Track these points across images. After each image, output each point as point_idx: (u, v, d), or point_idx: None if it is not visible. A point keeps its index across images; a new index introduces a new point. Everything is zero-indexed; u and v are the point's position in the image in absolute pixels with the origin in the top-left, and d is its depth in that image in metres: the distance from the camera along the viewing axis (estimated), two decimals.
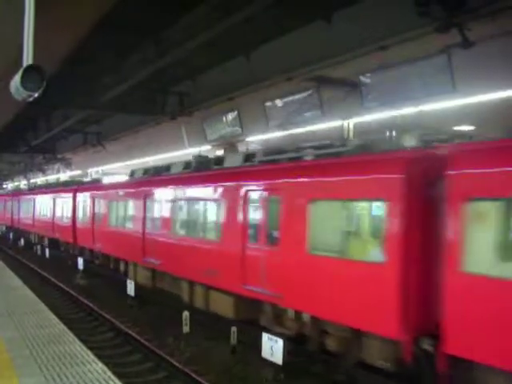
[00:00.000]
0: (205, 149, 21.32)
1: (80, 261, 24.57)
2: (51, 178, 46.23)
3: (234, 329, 12.35)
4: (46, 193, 33.69)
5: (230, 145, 20.94)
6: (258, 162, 13.13)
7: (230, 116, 19.16)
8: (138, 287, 18.10)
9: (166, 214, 16.19)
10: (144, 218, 17.67)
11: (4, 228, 48.43)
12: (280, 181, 11.40)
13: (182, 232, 15.52)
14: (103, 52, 15.96)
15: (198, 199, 14.80)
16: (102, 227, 22.17)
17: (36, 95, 7.60)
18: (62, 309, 17.75)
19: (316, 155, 11.31)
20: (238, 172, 13.48)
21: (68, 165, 40.10)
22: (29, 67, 7.42)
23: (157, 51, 15.03)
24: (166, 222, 16.13)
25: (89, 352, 8.84)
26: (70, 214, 27.14)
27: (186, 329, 13.62)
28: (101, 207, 22.53)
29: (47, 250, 31.02)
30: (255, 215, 12.07)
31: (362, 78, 13.15)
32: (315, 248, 10.11)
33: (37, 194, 36.10)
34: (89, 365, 8.03)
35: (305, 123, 15.76)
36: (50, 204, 31.44)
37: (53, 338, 9.62)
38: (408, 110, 12.74)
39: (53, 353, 8.64)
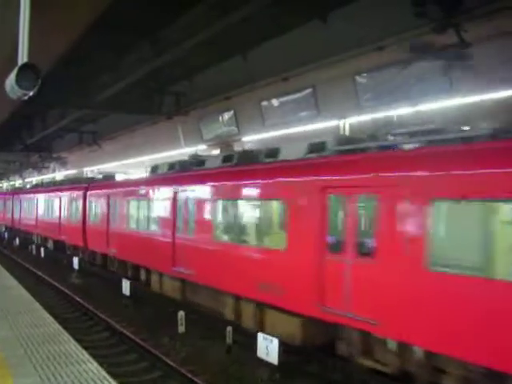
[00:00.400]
0: (201, 148, 21.31)
1: (75, 260, 24.49)
2: (51, 176, 44.75)
3: (229, 328, 12.33)
4: (50, 191, 31.14)
5: (226, 144, 20.94)
6: (334, 153, 10.53)
7: (227, 115, 19.20)
8: (166, 299, 16.32)
9: (205, 215, 13.87)
10: (174, 221, 15.32)
11: (3, 228, 45.57)
12: (377, 174, 8.89)
13: (226, 238, 13.19)
14: (100, 51, 15.94)
15: (250, 198, 12.37)
16: (118, 230, 19.78)
17: (31, 94, 7.57)
18: (57, 308, 17.67)
19: (429, 141, 8.72)
20: (308, 165, 10.82)
21: (64, 164, 40.01)
22: (24, 65, 7.39)
23: (153, 51, 15.02)
24: (205, 226, 13.79)
25: (84, 351, 8.80)
26: (79, 215, 24.76)
27: (181, 328, 13.59)
28: (118, 207, 20.07)
29: (42, 250, 30.83)
30: (338, 218, 9.73)
31: (358, 78, 13.17)
32: (439, 263, 7.78)
33: (40, 192, 33.58)
34: (84, 364, 8.00)
35: (300, 123, 15.77)
36: (55, 203, 29.08)
37: (47, 337, 9.58)
38: (404, 110, 12.76)
39: (47, 352, 8.60)
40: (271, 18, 12.70)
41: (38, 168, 45.63)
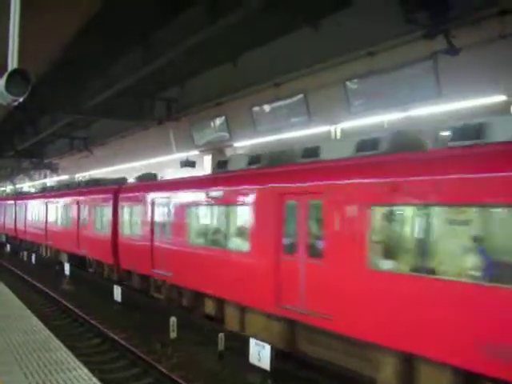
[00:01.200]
0: (192, 154, 21.31)
1: (66, 267, 24.34)
2: (53, 180, 41.84)
3: (221, 335, 12.30)
4: (65, 195, 26.44)
5: (217, 150, 20.97)
6: None
7: (218, 121, 19.19)
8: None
9: (354, 229, 9.14)
10: (278, 236, 10.87)
11: (4, 239, 40.90)
12: None
13: (400, 266, 8.65)
14: (91, 57, 15.92)
15: (455, 204, 7.98)
16: (171, 246, 15.21)
17: (21, 100, 7.53)
18: (48, 315, 17.59)
19: None
20: None
21: (55, 170, 39.80)
22: (14, 71, 7.36)
23: (144, 57, 15.02)
24: (355, 245, 9.05)
25: (74, 358, 8.77)
26: (107, 224, 20.18)
27: (173, 334, 13.54)
28: (170, 216, 15.46)
29: (33, 256, 30.57)
30: None
31: (349, 84, 13.22)
32: None
33: (52, 197, 28.75)
34: (74, 371, 7.96)
35: (292, 128, 15.80)
36: (72, 210, 24.45)
37: (38, 344, 9.53)
38: (395, 116, 12.83)
39: (38, 359, 8.56)
40: (263, 23, 12.75)
41: (30, 174, 45.42)
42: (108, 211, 20.16)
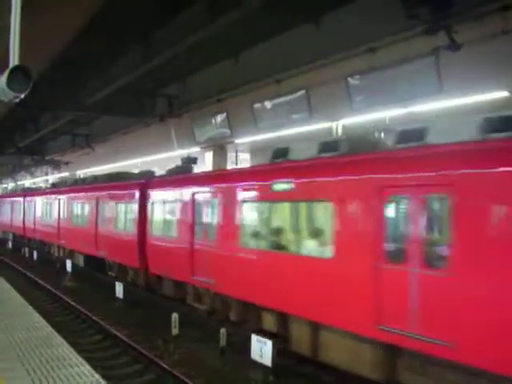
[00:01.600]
0: (194, 150, 21.32)
1: (68, 263, 24.38)
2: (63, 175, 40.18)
3: (223, 331, 12.32)
4: (81, 191, 24.49)
5: (219, 147, 20.97)
6: None
7: (219, 118, 19.15)
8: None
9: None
10: (379, 240, 8.77)
11: (11, 237, 39.51)
12: None
13: None
14: (91, 56, 15.90)
15: None
16: (218, 249, 13.21)
17: (22, 96, 7.54)
18: (50, 311, 17.63)
19: None
20: None
21: (57, 167, 39.77)
22: (15, 68, 7.35)
23: (145, 54, 15.01)
24: (507, 255, 6.92)
25: (77, 354, 8.79)
26: (132, 223, 18.22)
27: (175, 331, 13.58)
28: (217, 214, 13.36)
29: (35, 253, 30.57)
30: None
31: (351, 80, 13.19)
32: None
33: (65, 193, 26.85)
34: (76, 367, 7.98)
35: (293, 125, 15.79)
36: (89, 207, 22.68)
37: (40, 340, 9.55)
38: (396, 112, 12.82)
39: (40, 355, 8.58)
40: (263, 22, 12.72)
41: (31, 171, 45.42)
42: (133, 208, 18.14)
